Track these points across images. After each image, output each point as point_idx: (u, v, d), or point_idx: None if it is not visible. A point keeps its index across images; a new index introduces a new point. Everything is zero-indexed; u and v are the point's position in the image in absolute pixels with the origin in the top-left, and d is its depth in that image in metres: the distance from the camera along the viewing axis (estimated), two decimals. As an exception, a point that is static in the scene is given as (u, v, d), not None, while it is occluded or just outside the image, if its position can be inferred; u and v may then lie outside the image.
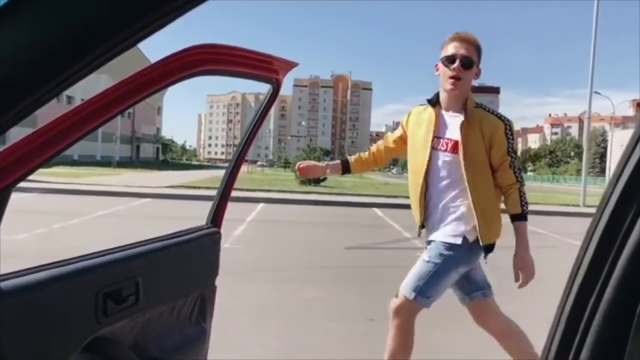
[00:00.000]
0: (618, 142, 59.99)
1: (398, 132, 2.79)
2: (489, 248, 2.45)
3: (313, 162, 2.77)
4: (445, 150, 2.48)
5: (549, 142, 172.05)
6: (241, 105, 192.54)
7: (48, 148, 1.01)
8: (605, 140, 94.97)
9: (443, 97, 2.54)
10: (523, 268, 2.43)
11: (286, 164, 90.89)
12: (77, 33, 0.64)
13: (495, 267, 2.65)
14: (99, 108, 1.10)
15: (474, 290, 2.56)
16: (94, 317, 1.22)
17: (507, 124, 2.48)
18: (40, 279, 1.10)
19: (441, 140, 2.50)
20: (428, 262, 2.43)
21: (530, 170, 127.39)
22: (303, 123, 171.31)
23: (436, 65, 2.53)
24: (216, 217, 1.79)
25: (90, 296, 1.21)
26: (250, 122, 1.79)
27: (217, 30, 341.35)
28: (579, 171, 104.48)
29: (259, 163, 76.31)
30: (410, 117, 2.69)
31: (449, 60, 2.44)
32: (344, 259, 7.34)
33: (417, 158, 2.56)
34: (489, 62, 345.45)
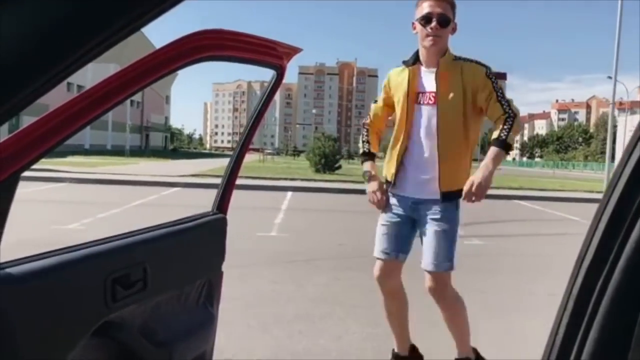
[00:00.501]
0: (628, 127, 59.46)
1: (381, 101, 2.81)
2: (450, 195, 2.53)
3: (374, 187, 2.67)
4: (424, 103, 2.56)
5: (556, 128, 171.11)
6: (247, 94, 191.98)
7: (54, 135, 1.02)
8: (615, 126, 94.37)
9: (423, 54, 2.59)
10: (475, 185, 2.40)
11: (295, 152, 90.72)
12: (76, 20, 0.65)
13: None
14: (104, 95, 1.10)
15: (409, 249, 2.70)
16: (104, 302, 1.23)
17: (487, 67, 2.56)
18: (51, 264, 1.12)
19: (426, 94, 2.57)
20: (446, 230, 2.53)
21: (538, 156, 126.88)
22: (313, 111, 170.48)
23: (413, 23, 2.58)
24: (222, 203, 1.80)
25: (99, 281, 1.22)
26: (254, 108, 1.80)
27: (221, 17, 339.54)
28: (587, 157, 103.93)
29: (267, 151, 76.13)
30: (390, 79, 2.74)
31: (426, 19, 2.49)
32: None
33: (400, 115, 2.63)
34: (494, 48, 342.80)
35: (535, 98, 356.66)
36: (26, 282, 1.06)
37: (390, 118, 2.82)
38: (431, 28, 2.47)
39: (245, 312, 4.00)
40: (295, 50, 1.71)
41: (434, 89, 2.53)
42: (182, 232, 1.59)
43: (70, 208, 9.34)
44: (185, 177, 17.46)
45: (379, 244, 2.67)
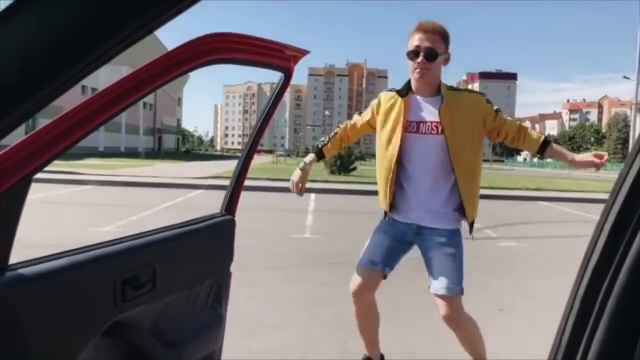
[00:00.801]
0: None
1: (367, 116, 2.79)
2: (472, 225, 2.66)
3: (299, 176, 2.64)
4: (426, 133, 2.55)
5: (567, 128, 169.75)
6: (257, 96, 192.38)
7: (68, 137, 1.03)
8: (627, 126, 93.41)
9: (414, 84, 2.59)
10: (587, 161, 2.51)
11: (307, 153, 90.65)
12: (84, 28, 0.67)
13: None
14: (117, 97, 1.12)
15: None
16: (113, 303, 1.25)
17: (483, 94, 2.63)
18: (62, 265, 1.13)
19: (420, 124, 2.56)
20: (455, 254, 2.54)
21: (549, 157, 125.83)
22: (327, 112, 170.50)
23: (406, 52, 2.55)
24: (230, 204, 1.81)
25: (109, 282, 1.24)
26: (262, 110, 1.80)
27: (228, 19, 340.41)
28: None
29: (277, 153, 76.05)
30: (380, 102, 2.71)
31: (414, 54, 2.50)
32: None
33: (389, 142, 2.60)
34: (505, 48, 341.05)
35: (546, 98, 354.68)
36: (38, 282, 1.07)
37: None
38: (418, 62, 2.49)
39: (302, 313, 4.07)
40: (302, 53, 1.72)
41: (437, 119, 2.52)
42: (191, 233, 1.61)
43: (102, 211, 9.42)
44: (206, 179, 17.56)
45: (369, 254, 2.66)
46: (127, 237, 1.38)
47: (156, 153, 57.35)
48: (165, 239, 1.49)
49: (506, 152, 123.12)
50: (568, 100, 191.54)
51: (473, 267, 5.99)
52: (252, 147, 1.80)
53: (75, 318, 1.16)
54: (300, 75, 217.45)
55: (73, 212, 9.10)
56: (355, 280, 2.66)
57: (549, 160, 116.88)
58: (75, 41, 0.68)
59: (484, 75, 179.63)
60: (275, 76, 1.74)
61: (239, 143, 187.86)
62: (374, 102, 2.75)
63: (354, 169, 25.82)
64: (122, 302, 1.26)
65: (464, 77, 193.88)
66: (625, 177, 0.79)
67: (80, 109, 1.06)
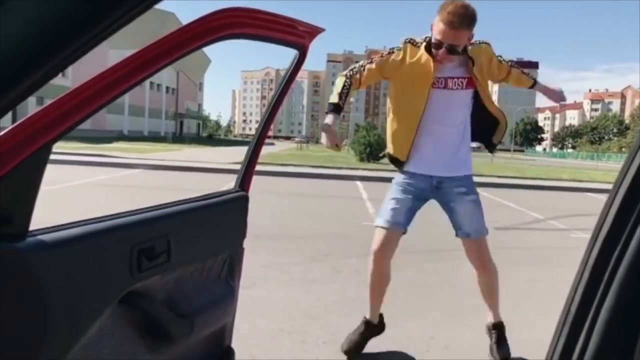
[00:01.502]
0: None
1: (381, 66, 2.72)
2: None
3: (331, 136, 2.55)
4: (453, 88, 2.67)
5: (588, 118, 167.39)
6: (275, 81, 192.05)
7: (82, 109, 1.04)
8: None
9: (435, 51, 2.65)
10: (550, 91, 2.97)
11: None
12: (79, 8, 0.68)
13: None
14: (126, 73, 1.12)
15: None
16: (129, 272, 1.26)
17: (487, 43, 2.78)
18: (80, 233, 1.15)
19: (447, 80, 2.65)
20: (475, 200, 2.76)
21: (571, 147, 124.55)
22: (352, 99, 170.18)
23: (431, 25, 2.59)
24: (244, 181, 1.82)
25: (125, 251, 1.25)
26: (276, 88, 1.79)
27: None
28: (621, 148, 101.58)
29: (296, 139, 75.99)
30: (405, 55, 2.67)
31: (436, 45, 2.56)
32: (498, 240, 7.26)
33: (415, 96, 2.67)
34: (526, 36, 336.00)
35: (565, 87, 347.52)
36: (57, 248, 1.09)
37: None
38: (439, 54, 2.57)
39: (420, 300, 4.05)
40: (317, 30, 1.68)
41: (463, 74, 2.67)
42: (206, 207, 1.62)
43: (169, 194, 9.43)
44: (235, 164, 17.57)
45: (386, 215, 2.74)
46: (142, 208, 1.39)
47: (181, 137, 57.61)
48: (180, 212, 1.50)
49: (526, 142, 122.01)
50: (590, 90, 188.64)
51: (551, 259, 5.97)
52: (266, 125, 1.81)
53: (92, 285, 1.18)
54: (318, 61, 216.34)
55: (145, 196, 9.13)
56: (378, 241, 2.74)
57: (569, 150, 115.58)
58: (60, 29, 0.70)
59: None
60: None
61: (256, 129, 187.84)
62: (400, 52, 2.69)
63: (384, 156, 25.71)
64: (138, 271, 1.28)
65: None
66: (626, 172, 0.78)
67: (95, 82, 1.06)
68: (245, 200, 1.79)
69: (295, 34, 1.61)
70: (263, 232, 6.19)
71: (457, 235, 2.79)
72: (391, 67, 2.70)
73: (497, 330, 2.92)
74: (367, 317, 2.95)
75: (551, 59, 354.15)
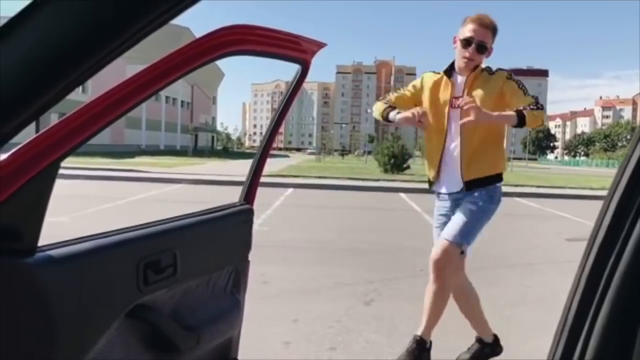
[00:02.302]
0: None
1: (409, 93, 2.94)
2: (468, 183, 2.76)
3: (412, 114, 2.68)
4: (457, 107, 2.73)
5: (599, 126, 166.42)
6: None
7: (89, 127, 1.06)
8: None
9: (458, 67, 2.80)
10: (476, 107, 2.51)
11: (344, 152, 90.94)
12: (92, 30, 0.72)
13: None
14: (132, 91, 1.13)
15: None
16: (136, 286, 1.27)
17: (507, 71, 2.79)
18: (88, 248, 1.17)
19: (458, 99, 2.75)
20: (473, 210, 2.73)
21: (583, 155, 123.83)
22: (368, 110, 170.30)
23: (454, 37, 2.79)
24: (249, 194, 1.82)
25: (132, 265, 1.26)
26: (280, 102, 1.80)
27: (253, 16, 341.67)
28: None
29: (308, 151, 75.78)
30: (424, 82, 2.90)
31: (466, 42, 2.71)
32: (570, 252, 7.18)
33: (438, 118, 2.80)
34: (535, 45, 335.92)
35: (574, 95, 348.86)
36: (65, 263, 1.10)
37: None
38: (469, 52, 2.71)
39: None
40: (319, 45, 1.71)
41: (461, 94, 2.75)
42: (211, 221, 1.64)
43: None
44: (275, 177, 17.78)
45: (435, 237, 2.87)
46: (148, 223, 1.41)
47: (200, 151, 58.01)
48: (186, 225, 1.52)
49: (539, 150, 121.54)
50: (601, 97, 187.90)
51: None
52: (270, 138, 1.82)
53: (100, 298, 1.19)
54: (328, 73, 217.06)
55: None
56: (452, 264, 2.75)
57: (582, 158, 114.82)
58: (73, 49, 0.74)
59: (514, 72, 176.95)
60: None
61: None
62: (416, 82, 2.96)
63: (408, 167, 25.71)
64: (145, 285, 1.29)
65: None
66: (622, 173, 0.80)
67: (102, 100, 1.08)
68: (250, 213, 1.80)
69: (297, 50, 1.64)
70: (335, 246, 6.27)
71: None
72: (410, 96, 2.93)
73: (417, 344, 2.78)
74: (426, 336, 2.80)
75: (558, 66, 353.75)
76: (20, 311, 1.05)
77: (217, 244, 1.64)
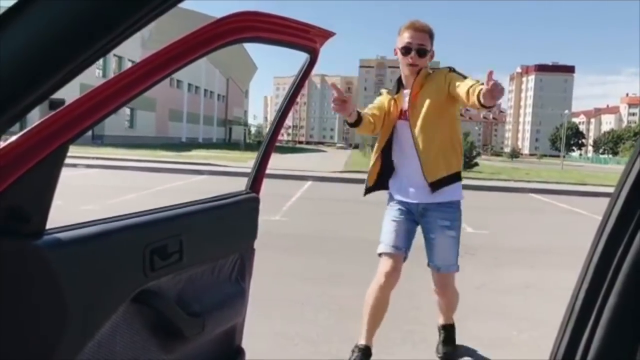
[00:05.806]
0: None
1: (375, 106, 2.92)
2: (434, 184, 2.76)
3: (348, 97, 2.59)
4: (405, 118, 2.81)
5: (625, 123, 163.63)
6: (307, 87, 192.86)
7: (97, 111, 1.07)
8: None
9: (404, 78, 2.85)
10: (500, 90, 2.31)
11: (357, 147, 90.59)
12: (85, 24, 0.75)
13: None
14: (140, 76, 1.13)
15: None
16: (142, 271, 1.27)
17: (449, 67, 2.77)
18: (95, 232, 1.17)
19: (405, 112, 2.83)
20: (456, 236, 2.80)
21: (611, 153, 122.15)
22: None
23: (395, 49, 2.82)
24: (255, 183, 1.82)
25: (138, 250, 1.27)
26: (287, 91, 1.81)
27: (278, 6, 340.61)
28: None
29: (338, 145, 75.36)
30: (381, 99, 2.94)
31: (406, 50, 2.74)
32: None
33: (385, 130, 2.88)
34: (561, 41, 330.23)
35: (593, 92, 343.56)
36: (73, 246, 1.11)
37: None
38: (410, 58, 2.73)
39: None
40: (328, 34, 1.71)
41: (407, 107, 2.81)
42: (217, 208, 1.64)
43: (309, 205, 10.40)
44: (343, 173, 18.17)
45: (388, 240, 2.83)
46: (155, 209, 1.42)
47: (235, 144, 58.21)
48: (192, 212, 1.52)
49: (566, 147, 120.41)
50: (627, 95, 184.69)
51: None
52: (277, 128, 1.82)
53: (106, 282, 1.20)
54: (351, 67, 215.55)
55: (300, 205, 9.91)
56: (385, 265, 2.79)
57: (610, 156, 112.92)
58: (66, 43, 0.77)
59: (540, 68, 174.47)
60: (325, 67, 2.18)
61: (288, 134, 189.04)
62: (381, 98, 2.96)
63: (476, 164, 25.10)
64: (151, 270, 1.29)
65: (518, 70, 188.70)
66: (628, 174, 0.80)
67: (114, 82, 1.10)
68: (256, 201, 1.80)
69: (306, 38, 1.63)
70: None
71: (428, 264, 2.87)
72: (377, 107, 2.92)
73: (445, 330, 3.20)
74: (364, 343, 2.87)
75: (578, 63, 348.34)
76: (27, 292, 1.06)
77: (223, 232, 1.65)
